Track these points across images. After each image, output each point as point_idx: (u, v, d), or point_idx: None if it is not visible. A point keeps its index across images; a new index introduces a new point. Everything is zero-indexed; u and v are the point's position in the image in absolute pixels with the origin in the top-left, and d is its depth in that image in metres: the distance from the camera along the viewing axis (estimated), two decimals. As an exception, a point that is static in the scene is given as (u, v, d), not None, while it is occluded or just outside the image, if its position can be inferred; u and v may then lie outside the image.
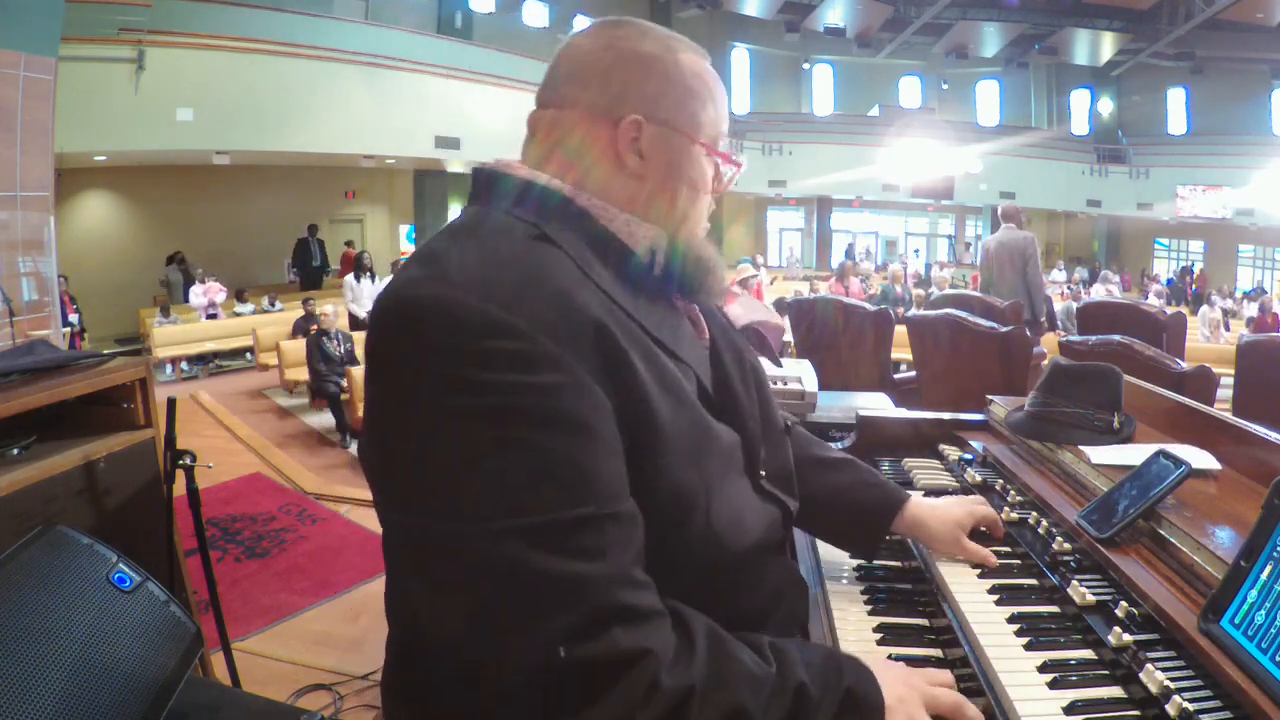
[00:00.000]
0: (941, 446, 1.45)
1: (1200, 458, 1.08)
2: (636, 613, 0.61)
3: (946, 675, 0.81)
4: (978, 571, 0.99)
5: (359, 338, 6.72)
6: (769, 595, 0.82)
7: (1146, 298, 13.33)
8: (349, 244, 12.04)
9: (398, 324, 0.64)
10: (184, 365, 8.30)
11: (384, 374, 0.64)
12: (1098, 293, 10.94)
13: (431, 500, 0.61)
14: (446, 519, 0.60)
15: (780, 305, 7.26)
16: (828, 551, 1.12)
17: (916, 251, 19.93)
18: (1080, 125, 19.97)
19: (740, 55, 20.15)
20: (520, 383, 0.60)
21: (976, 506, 1.07)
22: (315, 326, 6.34)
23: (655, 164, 0.78)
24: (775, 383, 1.91)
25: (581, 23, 17.53)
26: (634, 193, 0.77)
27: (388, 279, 9.05)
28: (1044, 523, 1.05)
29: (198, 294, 9.45)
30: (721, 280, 0.84)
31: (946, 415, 1.53)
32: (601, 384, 0.64)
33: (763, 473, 0.84)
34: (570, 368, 0.62)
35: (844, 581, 1.06)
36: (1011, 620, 0.87)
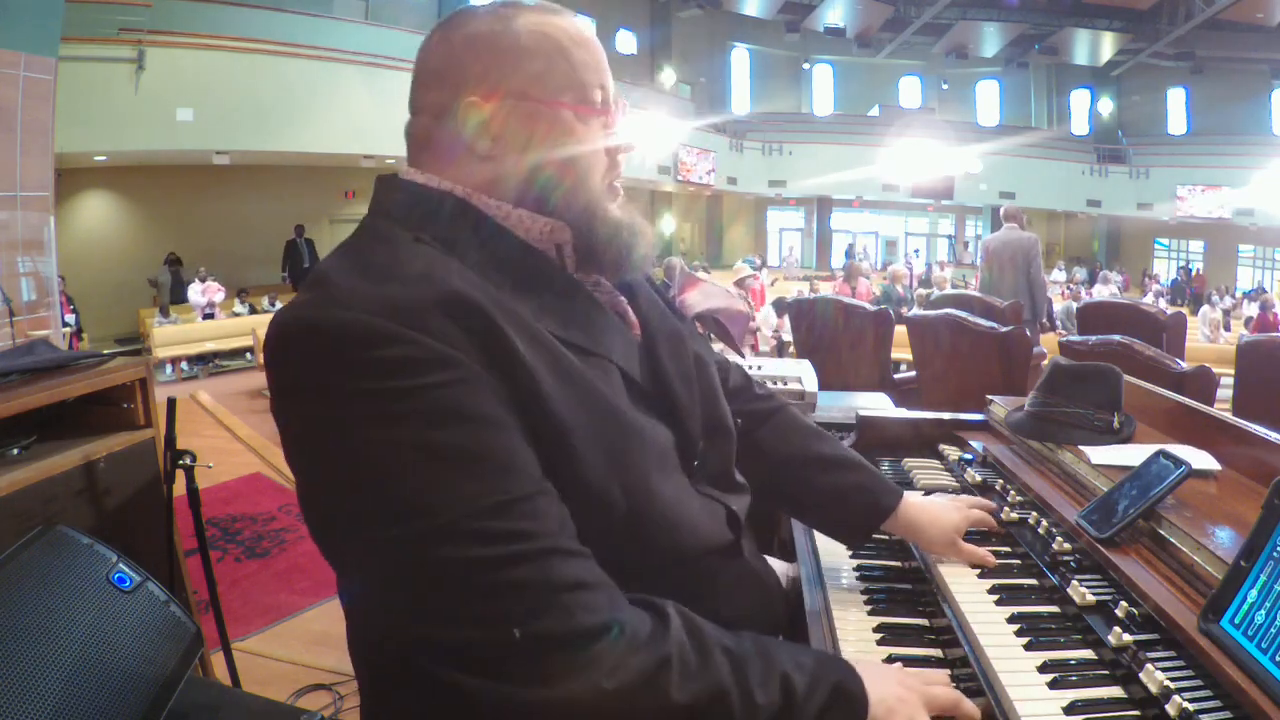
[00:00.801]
0: (941, 446, 1.45)
1: (1200, 458, 1.08)
2: (589, 584, 0.62)
3: (942, 674, 0.81)
4: (977, 571, 0.99)
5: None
6: (723, 598, 0.81)
7: (1145, 297, 13.33)
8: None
9: (285, 350, 0.64)
10: (184, 365, 8.30)
11: (283, 401, 0.65)
12: (1101, 292, 10.96)
13: (353, 516, 0.61)
14: (370, 530, 0.60)
15: (780, 305, 7.27)
16: (828, 552, 1.12)
17: (916, 251, 19.94)
18: (1080, 125, 19.98)
19: (740, 55, 20.15)
20: (412, 386, 0.60)
21: (970, 510, 1.06)
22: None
23: (508, 142, 0.74)
24: (775, 383, 1.91)
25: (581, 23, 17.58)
26: (502, 176, 0.75)
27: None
28: (1044, 523, 1.05)
29: (196, 293, 9.44)
30: (644, 248, 0.80)
31: (946, 415, 1.53)
32: (493, 375, 0.64)
33: (697, 473, 0.82)
34: (459, 362, 0.62)
35: (844, 582, 1.06)
36: (1011, 620, 0.87)
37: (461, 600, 0.59)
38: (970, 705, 0.76)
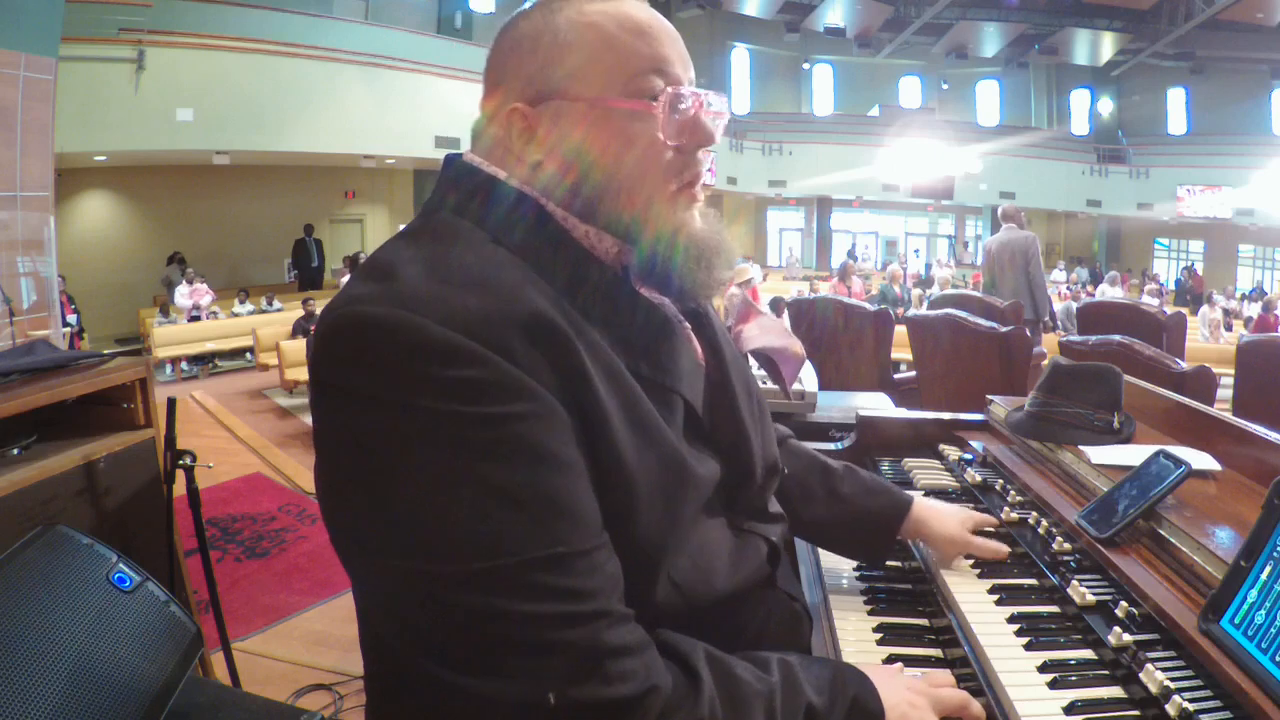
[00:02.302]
0: (941, 446, 1.45)
1: (1200, 459, 1.08)
2: (631, 648, 0.58)
3: (947, 675, 0.81)
4: (977, 571, 0.99)
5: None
6: (757, 632, 0.77)
7: (1143, 296, 13.33)
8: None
9: (346, 347, 0.57)
10: (184, 365, 8.30)
11: (334, 401, 0.58)
12: (1107, 292, 10.96)
13: (393, 541, 0.55)
14: (410, 560, 0.55)
15: (778, 304, 7.25)
16: (828, 552, 1.12)
17: (916, 251, 19.93)
18: (1080, 125, 19.97)
19: (740, 55, 20.14)
20: (484, 414, 0.55)
21: (972, 511, 1.06)
22: (315, 327, 6.32)
23: (554, 148, 0.67)
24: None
25: (581, 23, 17.58)
26: (554, 186, 0.67)
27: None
28: (1044, 523, 1.05)
29: (183, 295, 9.38)
30: (722, 270, 0.71)
31: (946, 415, 1.53)
32: (570, 413, 0.59)
33: (739, 509, 0.78)
34: (536, 393, 0.57)
35: (844, 583, 1.06)
36: (1011, 620, 0.87)
37: (498, 654, 0.54)
38: (978, 707, 0.76)
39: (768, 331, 1.29)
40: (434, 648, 0.56)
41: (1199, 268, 18.40)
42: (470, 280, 0.59)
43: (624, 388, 0.63)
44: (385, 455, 0.56)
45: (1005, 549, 1.00)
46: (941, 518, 1.02)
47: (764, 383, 1.69)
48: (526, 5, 0.71)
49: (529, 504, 0.55)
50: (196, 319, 9.15)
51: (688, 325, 0.78)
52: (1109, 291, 11.58)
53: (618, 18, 0.67)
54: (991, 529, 1.06)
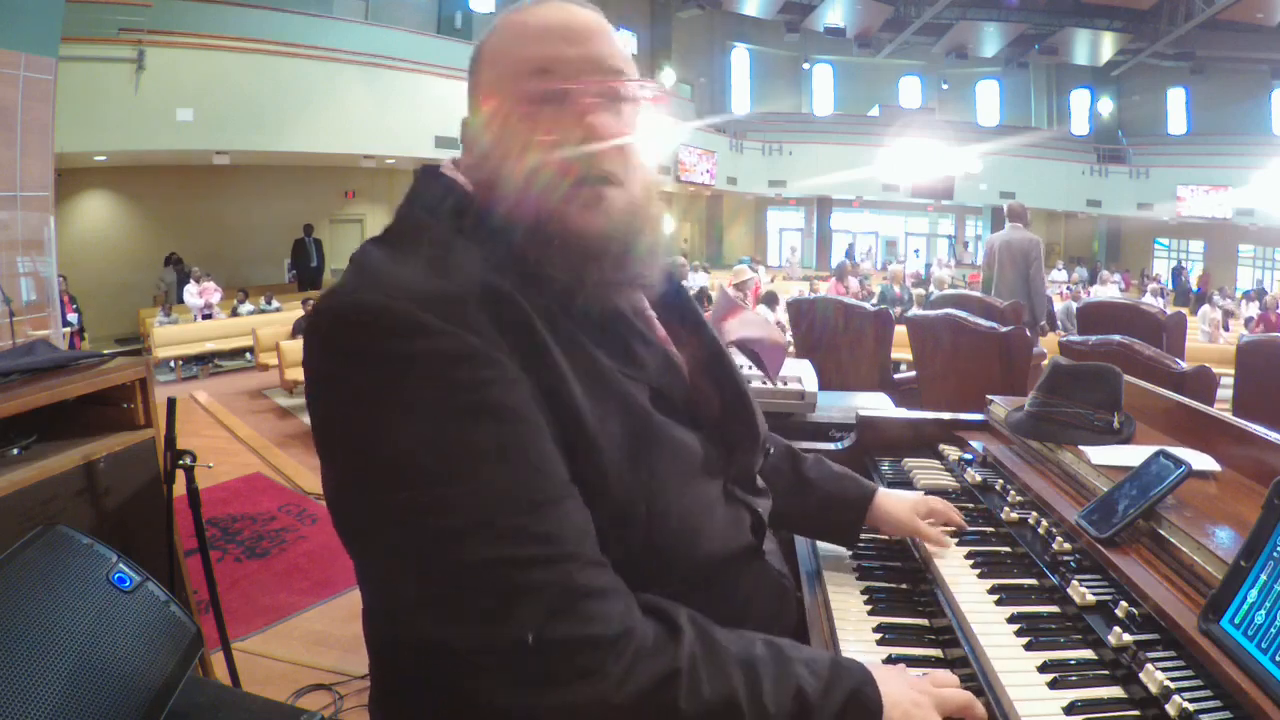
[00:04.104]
0: (941, 446, 1.45)
1: (1200, 459, 1.08)
2: (603, 592, 0.62)
3: (951, 676, 0.81)
4: (977, 572, 0.99)
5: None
6: (744, 603, 0.81)
7: (1144, 295, 13.34)
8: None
9: (327, 334, 0.64)
10: (184, 365, 8.30)
11: (321, 386, 0.64)
12: (1099, 292, 10.96)
13: (383, 502, 0.61)
14: (398, 520, 0.60)
15: (772, 298, 7.26)
16: (828, 552, 1.12)
17: (916, 251, 19.93)
18: (1080, 125, 19.97)
19: (740, 55, 20.14)
20: (453, 378, 0.61)
21: (929, 498, 1.14)
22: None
23: (491, 147, 0.74)
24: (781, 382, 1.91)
25: (581, 23, 17.55)
26: (499, 181, 0.72)
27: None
28: (1044, 523, 1.05)
29: (193, 294, 9.43)
30: (645, 249, 0.74)
31: (946, 415, 1.53)
32: (528, 376, 0.64)
33: (729, 478, 0.82)
34: (499, 361, 0.62)
35: (844, 582, 1.06)
36: (1011, 620, 0.87)
37: (479, 598, 0.59)
38: (981, 708, 0.76)
39: (747, 324, 1.32)
40: (425, 606, 0.60)
41: (1199, 268, 18.41)
42: (429, 264, 0.66)
43: (583, 357, 0.69)
44: (367, 426, 0.61)
45: (948, 540, 1.07)
46: (895, 504, 1.08)
47: (749, 371, 1.68)
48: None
49: (499, 460, 0.61)
50: (209, 317, 9.17)
51: (652, 314, 0.83)
52: (1101, 292, 11.59)
53: (522, 20, 0.75)
54: (946, 523, 1.11)
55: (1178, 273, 17.96)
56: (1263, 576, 0.72)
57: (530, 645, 0.57)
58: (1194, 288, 16.55)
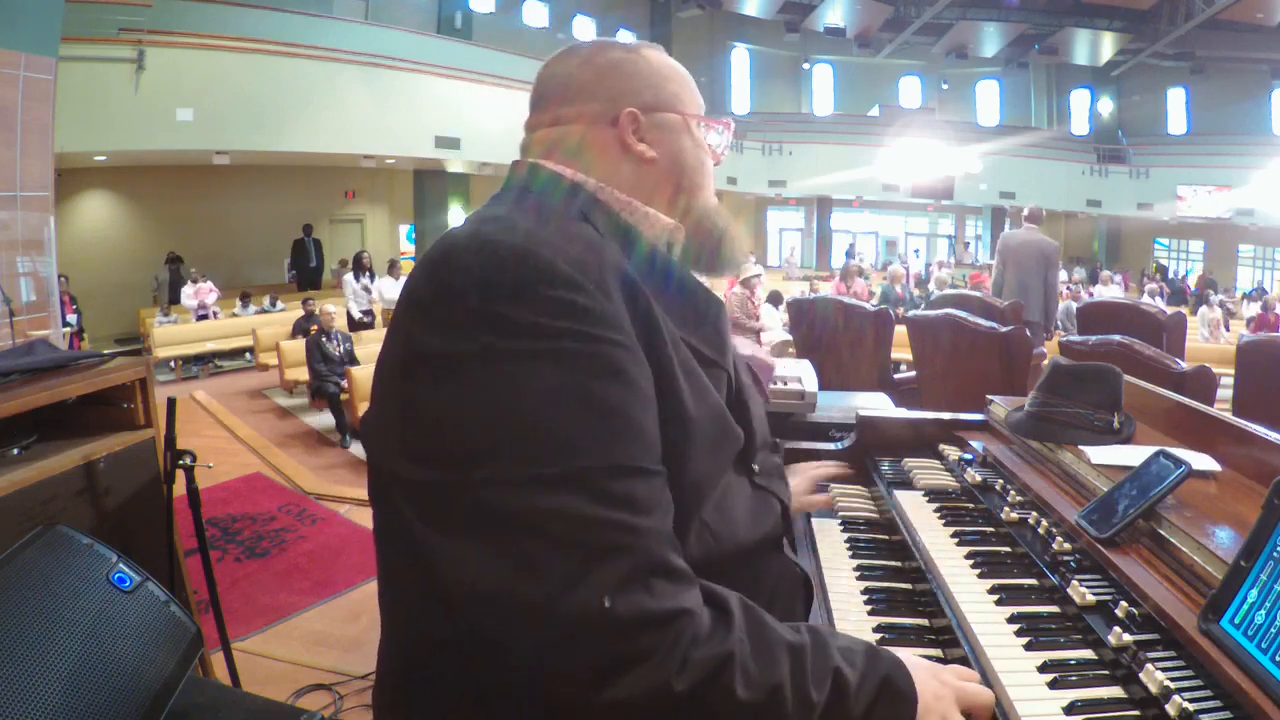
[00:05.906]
0: (941, 446, 1.45)
1: (1200, 459, 1.08)
2: (677, 572, 0.62)
3: (973, 672, 0.80)
4: (977, 572, 0.99)
5: (358, 337, 6.72)
6: (772, 592, 0.83)
7: (1143, 295, 13.34)
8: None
9: (469, 262, 0.63)
10: (184, 365, 8.30)
11: (437, 312, 0.63)
12: (1102, 292, 10.95)
13: (472, 446, 0.59)
14: (487, 465, 0.59)
15: (776, 297, 7.24)
16: (828, 552, 1.12)
17: (916, 251, 19.93)
18: (1080, 125, 19.97)
19: (740, 55, 20.15)
20: (585, 333, 0.62)
21: (811, 473, 1.31)
22: (315, 327, 6.33)
23: (662, 146, 0.82)
24: (775, 382, 1.91)
25: (581, 22, 17.63)
26: (647, 177, 0.81)
27: (386, 279, 9.08)
28: (1044, 523, 1.05)
29: (188, 295, 9.42)
30: (738, 253, 0.89)
31: (946, 415, 1.53)
32: (648, 357, 0.67)
33: (756, 468, 0.86)
34: (627, 329, 0.65)
35: (844, 582, 1.06)
36: (1011, 620, 0.87)
37: (563, 550, 0.57)
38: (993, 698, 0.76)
39: (739, 346, 1.36)
40: (504, 556, 0.58)
41: (1199, 268, 18.40)
42: (568, 234, 0.69)
43: (682, 350, 0.73)
44: (485, 362, 0.60)
45: (828, 499, 1.28)
46: (791, 478, 1.13)
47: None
48: (592, 41, 0.87)
49: (613, 420, 0.62)
50: (205, 318, 9.16)
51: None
52: (1104, 293, 11.58)
53: (679, 65, 0.88)
54: (834, 479, 1.31)
55: (1164, 270, 17.99)
56: (1263, 576, 0.72)
57: (603, 609, 0.56)
58: (1193, 288, 16.55)
